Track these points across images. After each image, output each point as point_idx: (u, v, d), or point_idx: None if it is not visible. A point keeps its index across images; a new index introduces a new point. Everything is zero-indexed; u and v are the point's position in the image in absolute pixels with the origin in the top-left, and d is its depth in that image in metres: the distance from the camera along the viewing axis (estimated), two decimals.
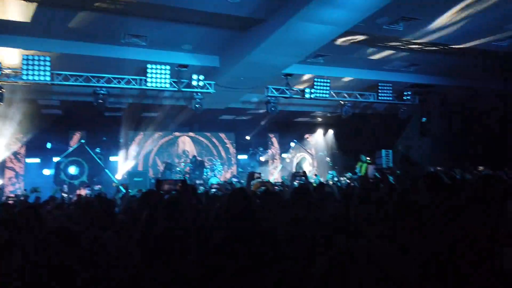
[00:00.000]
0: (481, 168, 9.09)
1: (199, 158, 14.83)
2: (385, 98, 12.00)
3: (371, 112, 14.58)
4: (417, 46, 9.47)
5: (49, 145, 13.38)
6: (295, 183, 7.78)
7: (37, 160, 13.53)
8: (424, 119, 13.09)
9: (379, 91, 11.90)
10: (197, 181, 7.61)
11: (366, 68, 11.23)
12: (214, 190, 5.88)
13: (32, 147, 13.38)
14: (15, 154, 13.20)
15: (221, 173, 15.84)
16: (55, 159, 12.76)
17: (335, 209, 3.43)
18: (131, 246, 2.21)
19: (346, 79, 11.65)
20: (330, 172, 10.78)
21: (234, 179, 7.48)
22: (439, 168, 6.69)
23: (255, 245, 1.84)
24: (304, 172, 8.36)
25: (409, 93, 12.40)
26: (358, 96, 12.21)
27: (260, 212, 3.96)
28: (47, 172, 13.18)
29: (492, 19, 7.95)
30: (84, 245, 2.46)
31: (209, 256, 2.06)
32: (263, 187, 5.30)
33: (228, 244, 2.04)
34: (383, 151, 14.12)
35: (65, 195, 8.72)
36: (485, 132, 12.96)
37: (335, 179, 9.41)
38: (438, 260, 2.05)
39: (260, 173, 5.17)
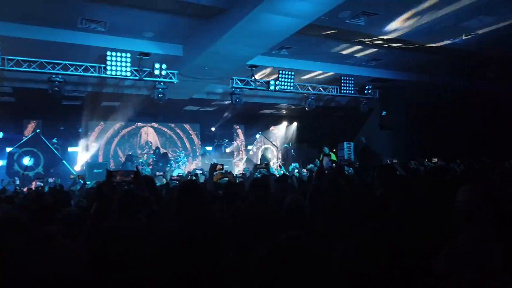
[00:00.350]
0: (435, 160, 9.52)
1: (162, 150, 14.56)
2: (347, 91, 12.28)
3: (334, 105, 14.88)
4: (378, 41, 9.73)
5: (0, 135, 12.65)
6: (256, 174, 7.83)
7: None
8: (383, 113, 13.52)
9: (342, 85, 12.15)
10: (157, 173, 7.42)
11: (330, 61, 11.42)
12: (175, 182, 5.77)
13: None
14: None
15: (185, 164, 15.66)
16: (8, 149, 12.09)
17: (292, 201, 3.46)
18: (79, 241, 2.12)
19: (314, 73, 11.81)
20: (293, 164, 10.92)
21: (198, 171, 7.36)
22: (395, 160, 6.93)
23: (204, 234, 1.82)
24: (267, 163, 8.41)
25: (370, 87, 12.75)
26: (322, 90, 12.41)
27: (219, 203, 3.95)
28: None
29: (448, 17, 8.29)
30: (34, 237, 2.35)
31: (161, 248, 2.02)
32: (225, 178, 5.29)
33: (180, 235, 2.01)
34: (345, 143, 14.48)
35: (18, 187, 8.28)
36: (442, 125, 13.61)
37: (296, 170, 9.53)
38: (389, 252, 2.08)
39: (222, 165, 5.15)
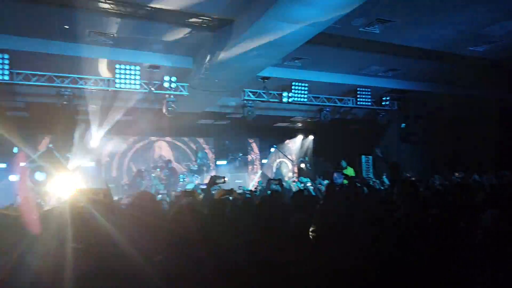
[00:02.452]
0: (457, 174, 8.97)
1: (174, 164, 14.38)
2: (363, 103, 11.86)
3: (351, 117, 14.43)
4: (394, 50, 9.32)
5: (15, 150, 12.72)
6: (268, 191, 7.46)
7: (3, 165, 12.88)
8: (403, 125, 12.98)
9: (358, 96, 11.75)
10: (160, 192, 7.16)
11: (345, 72, 11.07)
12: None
13: None
14: None
15: (198, 178, 15.40)
16: (22, 164, 12.11)
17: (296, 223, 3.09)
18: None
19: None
20: (301, 179, 10.50)
21: (202, 186, 7.05)
22: (408, 174, 6.46)
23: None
24: (280, 179, 8.05)
25: (388, 98, 12.29)
26: (337, 101, 12.03)
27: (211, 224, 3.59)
28: (13, 178, 12.52)
29: (467, 24, 7.84)
30: None
31: None
32: (229, 196, 4.92)
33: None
34: (363, 157, 13.96)
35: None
36: (465, 137, 12.93)
37: (309, 184, 9.13)
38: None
39: (224, 177, 4.60)
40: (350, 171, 12.63)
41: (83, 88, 8.83)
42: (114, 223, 1.98)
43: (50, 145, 12.48)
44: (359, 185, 4.04)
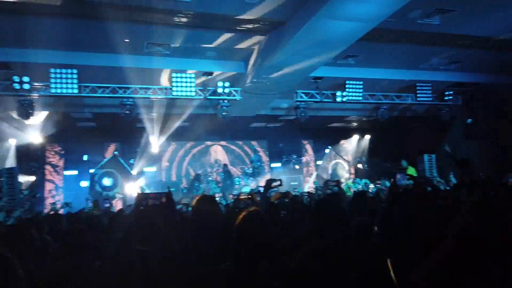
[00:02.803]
0: None
1: (226, 168, 14.63)
2: (424, 99, 11.22)
3: (411, 114, 13.72)
4: (457, 41, 8.72)
5: (85, 157, 13.74)
6: (327, 191, 7.31)
7: (75, 172, 13.93)
8: (469, 121, 12.08)
9: (418, 92, 11.14)
10: (216, 195, 7.28)
11: (402, 67, 10.56)
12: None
13: (70, 160, 13.81)
14: (54, 166, 13.66)
15: (254, 182, 15.53)
16: (91, 171, 13.04)
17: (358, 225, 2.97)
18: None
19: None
20: (358, 180, 10.13)
21: (260, 188, 7.05)
22: (483, 176, 5.95)
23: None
24: (338, 180, 7.86)
25: (451, 92, 11.52)
26: (395, 98, 11.50)
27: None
28: (84, 184, 13.51)
29: None
30: None
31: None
32: (285, 199, 4.87)
33: None
34: (425, 156, 13.18)
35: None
36: None
37: (361, 187, 8.82)
38: None
39: (280, 180, 4.52)
40: (411, 171, 12.00)
41: (143, 98, 9.28)
42: (177, 226, 2.03)
43: (116, 152, 13.33)
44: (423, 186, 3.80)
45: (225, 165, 14.49)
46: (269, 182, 4.41)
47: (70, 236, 2.78)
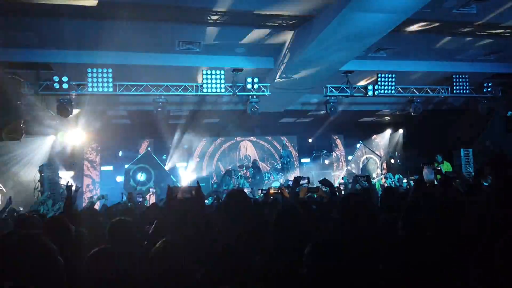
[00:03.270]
0: None
1: (256, 164, 14.69)
2: (461, 91, 10.78)
3: (446, 108, 13.25)
4: (496, 30, 8.33)
5: (120, 153, 14.22)
6: (357, 186, 7.22)
7: (111, 167, 14.45)
8: (510, 113, 11.52)
9: (454, 84, 10.72)
10: (246, 189, 7.35)
11: (437, 59, 10.21)
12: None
13: (106, 156, 14.34)
14: (92, 162, 14.23)
15: (283, 177, 15.53)
16: (126, 166, 13.49)
17: (388, 218, 2.93)
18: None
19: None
20: (389, 175, 9.85)
21: (290, 181, 7.04)
22: None
23: None
24: (368, 176, 7.72)
25: (489, 84, 11.01)
26: (429, 91, 11.13)
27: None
28: (119, 179, 13.99)
29: None
30: None
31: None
32: (314, 194, 4.87)
33: None
34: (462, 150, 12.70)
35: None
36: None
37: (389, 181, 8.61)
38: None
39: (308, 178, 4.64)
40: (447, 166, 11.61)
41: (175, 95, 9.48)
42: (206, 219, 2.09)
43: (149, 148, 13.71)
44: (454, 181, 3.69)
45: (254, 160, 14.57)
46: (297, 179, 4.46)
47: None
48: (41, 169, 9.88)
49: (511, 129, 11.67)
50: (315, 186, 5.33)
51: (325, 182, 4.16)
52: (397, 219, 2.80)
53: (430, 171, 2.88)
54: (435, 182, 3.47)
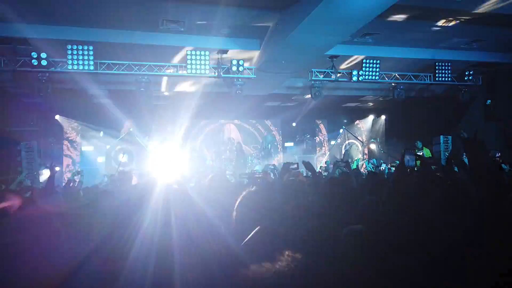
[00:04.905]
0: None
1: (239, 147, 14.70)
2: (443, 79, 10.95)
3: (428, 95, 13.45)
4: (480, 18, 8.41)
5: (101, 134, 13.97)
6: (337, 171, 7.32)
7: (91, 148, 14.20)
8: (488, 102, 11.79)
9: (437, 71, 10.87)
10: (227, 173, 7.37)
11: (421, 46, 10.29)
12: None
13: (87, 136, 14.07)
14: (72, 142, 13.95)
15: (266, 160, 15.61)
16: (107, 147, 13.28)
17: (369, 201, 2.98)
18: None
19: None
20: (373, 160, 10.05)
21: (270, 166, 7.07)
22: (497, 154, 5.84)
23: None
24: (347, 161, 7.83)
25: (471, 72, 11.21)
26: (413, 78, 11.26)
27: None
28: (100, 159, 13.79)
29: None
30: None
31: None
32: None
33: None
34: (442, 137, 12.98)
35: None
36: None
37: (370, 166, 8.78)
38: None
39: (297, 163, 4.65)
40: (426, 152, 11.88)
41: (158, 75, 9.31)
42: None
43: (131, 129, 13.51)
44: (433, 167, 3.77)
45: (238, 143, 14.56)
46: (287, 165, 4.44)
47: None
48: (20, 148, 9.64)
49: (489, 117, 11.96)
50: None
51: (308, 166, 4.18)
52: (377, 203, 2.86)
53: (411, 158, 2.92)
54: (415, 168, 3.53)
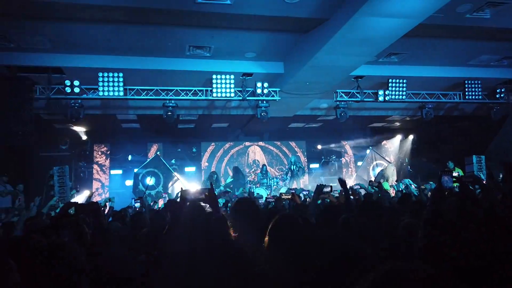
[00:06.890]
0: None
1: (264, 169, 14.64)
2: (473, 97, 10.64)
3: (458, 113, 13.08)
4: (510, 35, 8.20)
5: (130, 157, 14.27)
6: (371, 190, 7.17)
7: (120, 171, 14.50)
8: None
9: (466, 89, 10.59)
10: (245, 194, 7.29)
11: (449, 65, 10.10)
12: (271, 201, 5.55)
13: (116, 160, 14.41)
14: (101, 166, 14.31)
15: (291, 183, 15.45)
16: (135, 170, 13.52)
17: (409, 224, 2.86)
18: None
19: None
20: (405, 181, 9.72)
21: (305, 192, 6.84)
22: None
23: None
24: (379, 182, 7.66)
25: (502, 90, 10.86)
26: (441, 97, 11.01)
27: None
28: (128, 182, 14.04)
29: None
30: None
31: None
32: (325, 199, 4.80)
33: None
34: (474, 157, 12.50)
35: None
36: None
37: (401, 186, 8.50)
38: None
39: (331, 186, 4.54)
40: (459, 173, 11.44)
41: (184, 99, 9.49)
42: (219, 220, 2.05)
43: (158, 153, 13.74)
44: (471, 187, 3.61)
45: (263, 165, 14.52)
46: (320, 187, 4.32)
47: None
48: (52, 173, 9.93)
49: None
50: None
51: (342, 183, 4.02)
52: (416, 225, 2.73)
53: (449, 179, 2.78)
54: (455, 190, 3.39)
